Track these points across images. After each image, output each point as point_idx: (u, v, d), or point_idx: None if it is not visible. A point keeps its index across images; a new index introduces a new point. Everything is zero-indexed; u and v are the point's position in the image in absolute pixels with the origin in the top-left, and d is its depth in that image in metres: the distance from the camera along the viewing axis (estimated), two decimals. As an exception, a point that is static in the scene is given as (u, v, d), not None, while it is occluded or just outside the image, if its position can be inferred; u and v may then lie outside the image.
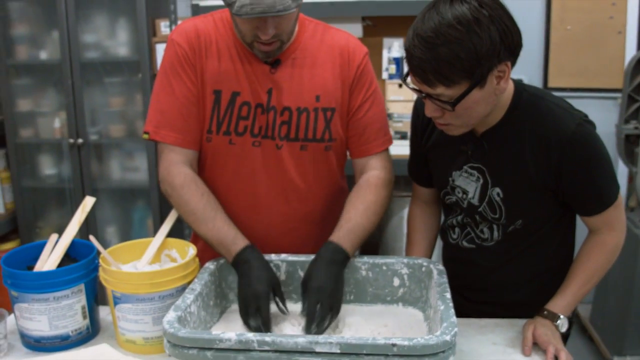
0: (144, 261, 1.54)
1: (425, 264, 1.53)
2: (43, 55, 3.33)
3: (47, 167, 3.49)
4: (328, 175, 1.69)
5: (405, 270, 1.55)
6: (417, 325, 1.47)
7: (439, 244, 1.82)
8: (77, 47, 3.20)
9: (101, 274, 1.47)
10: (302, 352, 1.18)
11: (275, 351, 1.18)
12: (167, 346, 1.24)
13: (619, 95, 3.27)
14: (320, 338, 1.17)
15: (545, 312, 1.47)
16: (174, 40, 1.60)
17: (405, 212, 3.01)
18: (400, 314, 1.53)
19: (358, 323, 1.46)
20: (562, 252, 1.62)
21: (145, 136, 1.60)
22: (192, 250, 1.55)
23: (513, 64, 1.35)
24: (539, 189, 1.48)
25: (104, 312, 1.58)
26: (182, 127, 1.59)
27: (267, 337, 1.18)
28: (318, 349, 1.17)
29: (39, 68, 3.37)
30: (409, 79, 1.38)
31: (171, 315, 1.28)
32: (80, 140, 3.30)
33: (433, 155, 1.64)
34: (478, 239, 1.62)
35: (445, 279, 1.44)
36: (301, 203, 1.67)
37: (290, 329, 1.45)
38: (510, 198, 1.51)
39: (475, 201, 1.56)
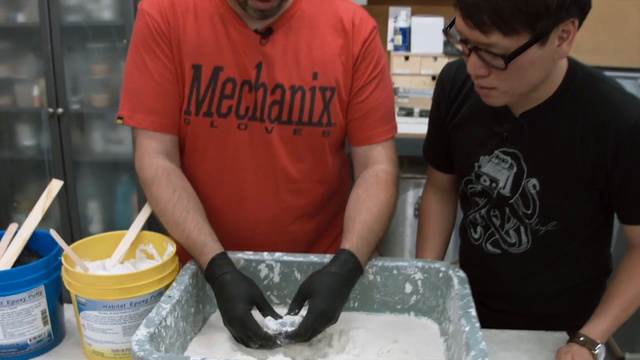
0: (114, 259, 1.32)
1: (443, 269, 1.32)
2: (20, 18, 3.08)
3: (25, 138, 3.26)
4: (325, 164, 1.46)
5: (419, 276, 1.33)
6: (433, 342, 1.26)
7: (455, 240, 1.61)
8: (57, 9, 2.95)
9: (64, 276, 1.25)
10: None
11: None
12: (138, 372, 1.03)
13: (639, 75, 3.08)
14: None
15: (582, 339, 1.26)
16: (144, 11, 1.36)
17: (409, 195, 2.80)
18: (412, 326, 1.32)
19: (364, 338, 1.24)
20: (598, 265, 1.43)
21: (119, 122, 1.38)
22: (170, 247, 1.33)
23: (579, 25, 1.13)
24: (584, 185, 1.26)
25: (70, 311, 1.34)
26: (159, 110, 1.36)
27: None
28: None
29: (16, 32, 3.12)
30: (453, 29, 1.16)
31: (142, 332, 1.06)
32: (60, 110, 3.07)
33: (457, 136, 1.42)
34: (504, 244, 1.40)
35: (468, 290, 1.23)
36: (294, 196, 1.45)
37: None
38: (547, 192, 1.30)
39: (506, 192, 1.34)
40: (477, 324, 1.09)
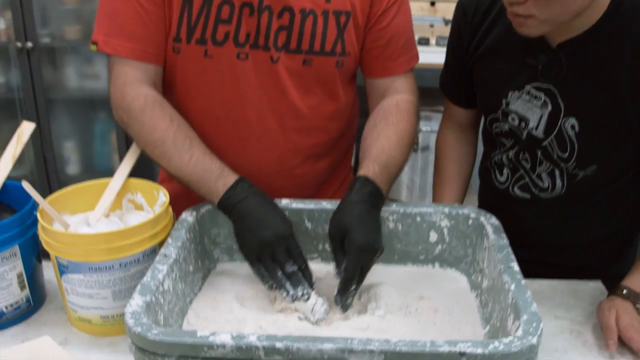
0: (98, 212, 1.15)
1: (473, 215, 1.17)
2: (-20, -59, 2.82)
3: (-8, 75, 3.04)
4: (337, 99, 1.28)
5: (445, 223, 1.18)
6: (463, 298, 1.12)
7: (474, 181, 1.46)
8: None
9: (41, 235, 1.09)
10: (329, 364, 0.82)
11: (289, 360, 0.83)
12: (132, 349, 0.87)
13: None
14: (356, 343, 0.81)
15: (625, 292, 1.12)
16: None
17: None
18: (438, 279, 1.18)
19: (387, 295, 1.10)
20: (633, 214, 1.29)
21: (93, 48, 1.18)
22: (163, 196, 1.17)
23: None
24: (630, 126, 1.11)
25: (51, 270, 1.15)
26: (141, 35, 1.17)
27: (279, 343, 0.81)
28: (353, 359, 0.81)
29: (-24, -44, 2.86)
30: None
31: (137, 302, 0.90)
32: (29, 44, 2.84)
33: (482, 68, 1.25)
34: (535, 188, 1.25)
35: (505, 240, 1.08)
36: (302, 134, 1.27)
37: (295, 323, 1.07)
38: (588, 134, 1.14)
39: (539, 133, 1.18)
40: (523, 282, 0.95)
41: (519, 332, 0.83)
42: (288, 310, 1.07)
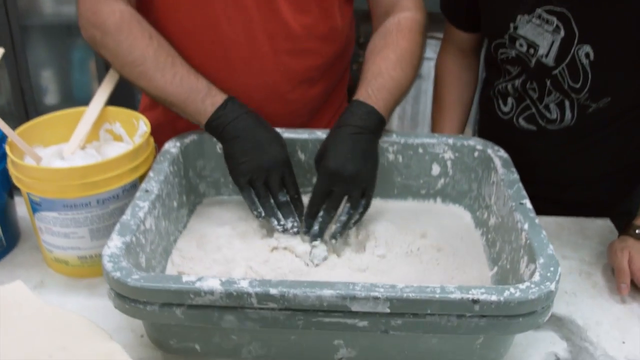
0: (73, 144, 1.05)
1: (479, 147, 1.08)
2: None
3: (-39, -1, 2.86)
4: (333, 18, 1.17)
5: (449, 155, 1.10)
6: (468, 235, 1.05)
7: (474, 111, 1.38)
8: None
9: (11, 170, 0.99)
10: (330, 312, 0.75)
11: (287, 309, 0.75)
12: (111, 295, 0.79)
13: None
14: (359, 289, 0.73)
15: (638, 231, 1.05)
16: None
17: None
18: (440, 215, 1.11)
19: (386, 233, 1.03)
20: None
21: None
22: (143, 125, 1.07)
23: None
24: None
25: (24, 206, 1.05)
26: None
27: (274, 289, 0.74)
28: (356, 308, 0.74)
29: None
30: None
31: (115, 243, 0.82)
32: (-1, -35, 2.67)
33: None
34: (542, 119, 1.17)
35: (516, 175, 1.00)
36: (295, 57, 1.16)
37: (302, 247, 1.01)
38: (604, 63, 1.05)
39: (549, 61, 1.09)
40: (537, 220, 0.87)
41: (536, 277, 0.76)
42: (280, 250, 0.99)
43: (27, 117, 2.87)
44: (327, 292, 0.73)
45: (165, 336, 0.84)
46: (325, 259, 0.98)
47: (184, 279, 0.76)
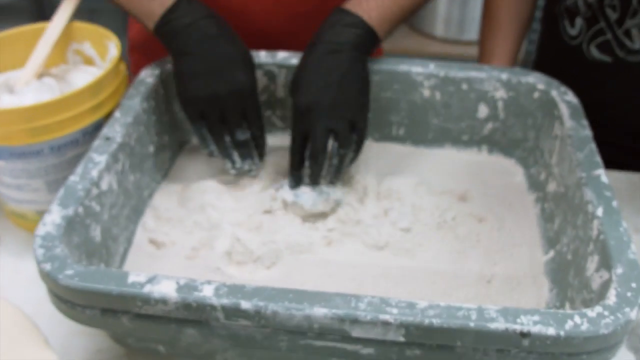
0: (27, 73, 0.84)
1: (541, 86, 0.84)
2: None
3: None
4: None
5: (501, 94, 0.86)
6: (518, 200, 0.83)
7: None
8: None
9: (-58, 103, 0.79)
10: (322, 336, 0.56)
11: (262, 327, 0.56)
12: (49, 294, 0.61)
13: None
14: (363, 308, 0.53)
15: None
16: None
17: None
18: (485, 170, 0.88)
19: (414, 193, 0.81)
20: None
21: None
22: (113, 47, 0.86)
23: None
24: None
25: None
26: None
27: (246, 303, 0.54)
28: (358, 333, 0.54)
29: None
30: None
31: (53, 218, 0.62)
32: None
33: None
34: (620, 48, 0.92)
35: (588, 131, 0.76)
36: None
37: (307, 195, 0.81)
38: None
39: None
40: (615, 203, 0.65)
41: (611, 298, 0.55)
42: (278, 212, 0.79)
43: None
44: (320, 312, 0.53)
45: (121, 334, 0.66)
46: (339, 203, 0.80)
47: (130, 278, 0.56)
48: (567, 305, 0.66)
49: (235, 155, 0.80)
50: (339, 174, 0.80)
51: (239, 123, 0.79)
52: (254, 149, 0.82)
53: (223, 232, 0.76)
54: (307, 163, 0.79)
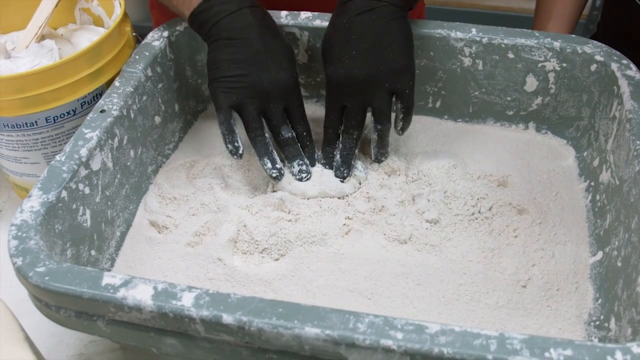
0: (27, 36, 0.78)
1: (599, 57, 0.72)
2: None
3: None
4: None
5: (553, 65, 0.75)
6: (566, 188, 0.73)
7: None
8: None
9: None
10: (315, 358, 0.48)
11: (247, 344, 0.49)
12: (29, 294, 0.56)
13: None
14: (362, 329, 0.45)
15: None
16: None
17: None
18: (532, 150, 0.78)
19: (447, 177, 0.72)
20: None
21: None
22: (118, 6, 0.78)
23: None
24: None
25: None
26: None
27: (228, 316, 0.47)
28: (356, 359, 0.47)
29: None
30: None
31: (32, 204, 0.56)
32: None
33: None
34: None
35: (652, 112, 0.65)
36: None
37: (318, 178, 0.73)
38: None
39: None
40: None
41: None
42: (289, 197, 0.71)
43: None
44: (311, 332, 0.46)
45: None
46: (361, 182, 0.72)
47: (104, 280, 0.50)
48: (613, 320, 0.56)
49: (274, 155, 0.71)
50: (383, 150, 0.72)
51: (283, 119, 0.71)
52: (301, 148, 0.73)
53: (229, 217, 0.68)
54: (340, 139, 0.71)
